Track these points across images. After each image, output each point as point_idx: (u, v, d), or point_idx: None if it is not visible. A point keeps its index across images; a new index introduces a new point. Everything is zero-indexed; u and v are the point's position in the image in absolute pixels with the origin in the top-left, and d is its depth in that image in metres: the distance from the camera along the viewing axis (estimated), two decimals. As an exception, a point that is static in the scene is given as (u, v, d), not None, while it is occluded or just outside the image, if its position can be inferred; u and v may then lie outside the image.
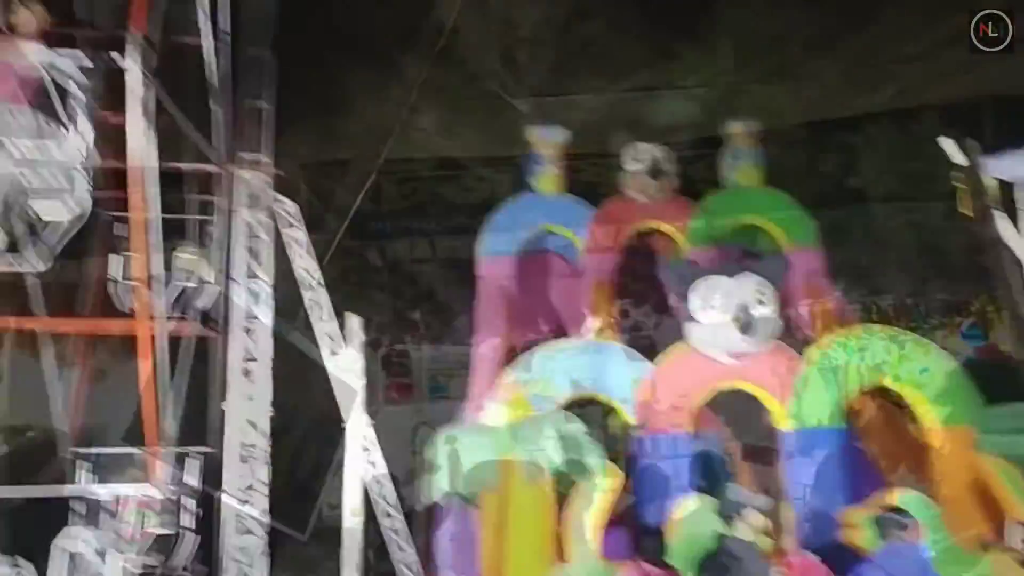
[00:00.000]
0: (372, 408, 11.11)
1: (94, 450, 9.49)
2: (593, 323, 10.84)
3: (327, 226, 13.88)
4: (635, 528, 9.01)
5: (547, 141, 11.80)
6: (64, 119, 8.27)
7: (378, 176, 14.61)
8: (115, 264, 9.47)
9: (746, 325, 9.13)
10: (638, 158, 11.65)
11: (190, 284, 9.87)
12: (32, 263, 8.49)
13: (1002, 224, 10.96)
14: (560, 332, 11.43)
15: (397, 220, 16.06)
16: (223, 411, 10.48)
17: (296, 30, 11.69)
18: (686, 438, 9.31)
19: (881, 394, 9.79)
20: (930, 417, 9.28)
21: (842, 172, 14.83)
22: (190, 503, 9.48)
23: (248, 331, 10.80)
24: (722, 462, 9.88)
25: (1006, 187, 11.18)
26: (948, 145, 11.63)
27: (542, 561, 8.39)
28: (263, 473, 10.49)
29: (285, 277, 11.32)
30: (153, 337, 9.14)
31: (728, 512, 8.33)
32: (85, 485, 9.20)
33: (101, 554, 8.92)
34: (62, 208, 8.38)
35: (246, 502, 10.32)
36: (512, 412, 9.10)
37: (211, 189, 10.83)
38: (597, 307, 11.07)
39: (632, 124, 12.84)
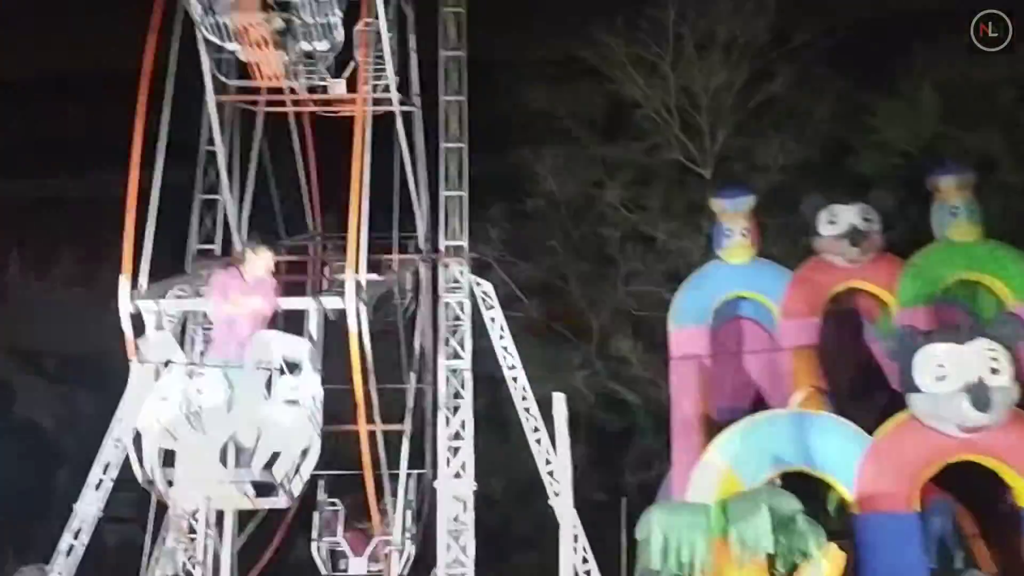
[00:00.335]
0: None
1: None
2: (797, 392, 10.21)
3: (521, 305, 14.16)
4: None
5: (732, 209, 11.28)
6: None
7: (564, 252, 14.90)
8: None
9: (982, 401, 8.21)
10: (834, 221, 10.98)
11: None
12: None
13: None
14: (759, 403, 11.02)
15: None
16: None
17: (483, 117, 12.02)
18: (913, 517, 8.52)
19: None
20: None
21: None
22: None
23: (456, 409, 11.31)
24: (956, 543, 9.09)
25: None
26: None
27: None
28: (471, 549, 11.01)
29: (483, 355, 11.57)
30: None
31: (970, 600, 7.49)
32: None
33: None
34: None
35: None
36: (721, 489, 8.53)
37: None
38: (799, 375, 10.49)
39: (825, 183, 12.32)
